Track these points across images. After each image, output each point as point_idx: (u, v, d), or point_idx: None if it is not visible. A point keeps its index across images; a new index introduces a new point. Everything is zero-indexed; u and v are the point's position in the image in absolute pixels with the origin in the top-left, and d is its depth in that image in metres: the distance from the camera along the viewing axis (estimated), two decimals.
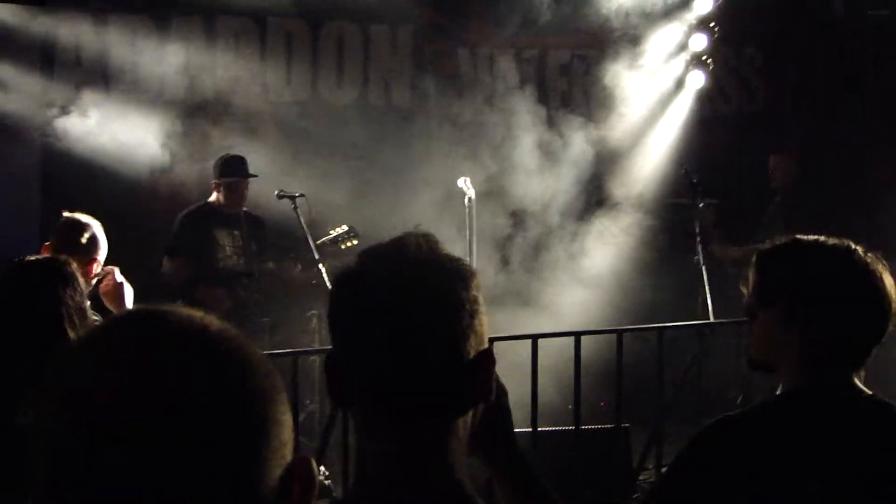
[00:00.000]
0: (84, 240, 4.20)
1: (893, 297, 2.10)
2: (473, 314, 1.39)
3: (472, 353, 1.39)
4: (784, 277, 2.15)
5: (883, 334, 2.12)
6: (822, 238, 2.16)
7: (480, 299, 1.41)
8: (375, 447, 1.39)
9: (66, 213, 4.37)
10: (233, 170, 6.51)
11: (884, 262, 2.13)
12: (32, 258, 3.18)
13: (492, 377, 1.42)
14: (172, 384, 0.90)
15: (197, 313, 0.98)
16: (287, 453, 0.97)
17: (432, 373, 1.36)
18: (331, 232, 6.70)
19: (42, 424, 0.92)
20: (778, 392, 2.18)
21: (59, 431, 0.90)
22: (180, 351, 0.93)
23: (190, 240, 6.40)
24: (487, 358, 1.41)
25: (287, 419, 0.99)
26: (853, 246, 2.13)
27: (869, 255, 2.12)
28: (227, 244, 6.48)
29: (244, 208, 6.62)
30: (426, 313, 1.36)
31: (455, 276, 1.40)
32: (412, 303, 1.36)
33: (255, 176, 6.64)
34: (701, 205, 7.24)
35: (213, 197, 6.56)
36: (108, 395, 0.89)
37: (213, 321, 0.97)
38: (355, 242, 6.69)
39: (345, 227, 6.75)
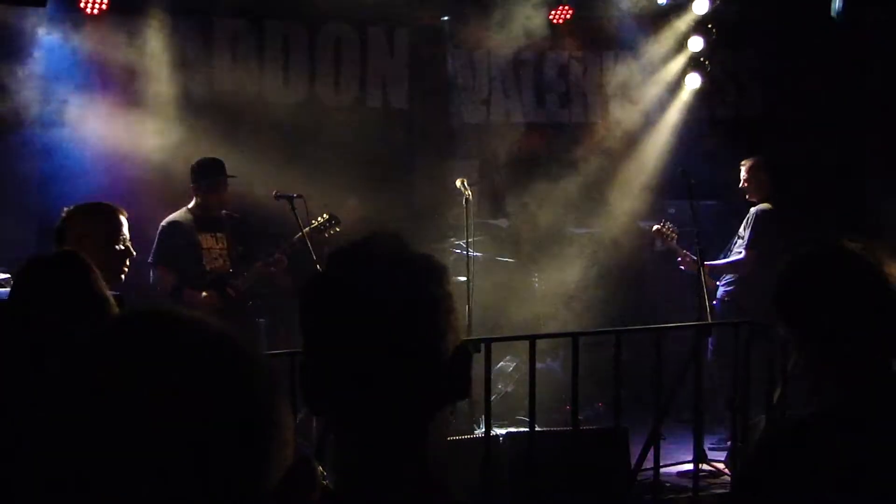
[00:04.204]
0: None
1: None
2: (450, 310, 1.38)
3: (451, 349, 1.38)
4: (793, 299, 2.14)
5: None
6: (821, 248, 2.14)
7: (454, 295, 1.40)
8: (354, 448, 1.37)
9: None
10: (212, 172, 6.47)
11: (888, 252, 2.09)
12: (68, 249, 3.10)
13: (469, 372, 1.41)
14: (174, 385, 0.90)
15: (197, 314, 0.98)
16: (288, 454, 0.97)
17: (415, 371, 1.35)
18: (313, 222, 6.69)
19: (45, 418, 0.92)
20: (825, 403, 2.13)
21: (61, 425, 0.90)
22: (182, 352, 0.92)
23: (174, 248, 6.34)
24: (464, 353, 1.40)
25: (288, 420, 0.99)
26: (849, 247, 2.09)
27: (864, 249, 2.08)
28: (212, 247, 6.45)
29: (224, 210, 6.59)
30: (406, 312, 1.34)
31: (430, 272, 1.38)
32: (392, 302, 1.34)
33: (234, 177, 6.61)
34: (664, 225, 7.34)
35: (193, 202, 6.50)
36: (111, 397, 0.89)
37: (213, 322, 0.97)
38: (338, 229, 6.71)
39: (326, 216, 6.75)
